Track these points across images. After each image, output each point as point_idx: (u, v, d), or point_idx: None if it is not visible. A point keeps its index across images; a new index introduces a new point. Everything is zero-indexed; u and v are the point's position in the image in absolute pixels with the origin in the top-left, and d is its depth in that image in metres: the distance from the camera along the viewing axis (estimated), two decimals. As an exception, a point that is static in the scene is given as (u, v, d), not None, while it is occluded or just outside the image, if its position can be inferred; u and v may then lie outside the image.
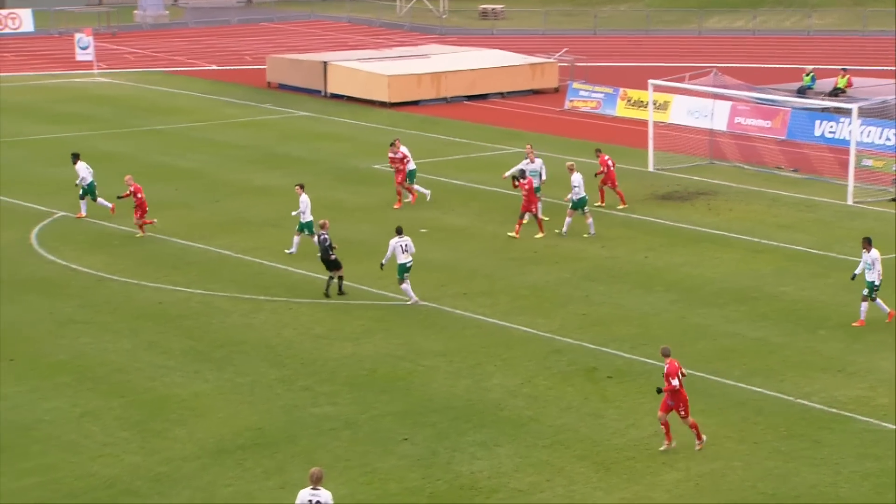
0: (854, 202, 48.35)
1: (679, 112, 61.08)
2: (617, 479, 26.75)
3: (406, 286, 36.71)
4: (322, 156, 55.93)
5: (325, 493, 22.00)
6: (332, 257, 37.14)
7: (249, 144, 58.56)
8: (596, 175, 46.91)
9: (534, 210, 43.29)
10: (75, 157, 45.95)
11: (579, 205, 43.43)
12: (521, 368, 32.55)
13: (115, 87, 72.65)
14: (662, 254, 42.00)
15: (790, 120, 58.92)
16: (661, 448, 27.50)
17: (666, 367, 27.42)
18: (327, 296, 37.22)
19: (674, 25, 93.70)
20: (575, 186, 43.32)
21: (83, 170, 45.47)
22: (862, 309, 34.99)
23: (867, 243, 35.06)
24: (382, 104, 66.61)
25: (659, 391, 27.59)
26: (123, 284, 38.67)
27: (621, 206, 46.96)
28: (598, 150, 47.52)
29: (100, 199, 44.93)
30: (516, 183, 43.64)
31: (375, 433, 28.67)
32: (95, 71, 76.03)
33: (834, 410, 30.04)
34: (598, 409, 30.12)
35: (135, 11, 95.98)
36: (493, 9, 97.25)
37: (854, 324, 34.96)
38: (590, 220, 43.59)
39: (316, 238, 37.79)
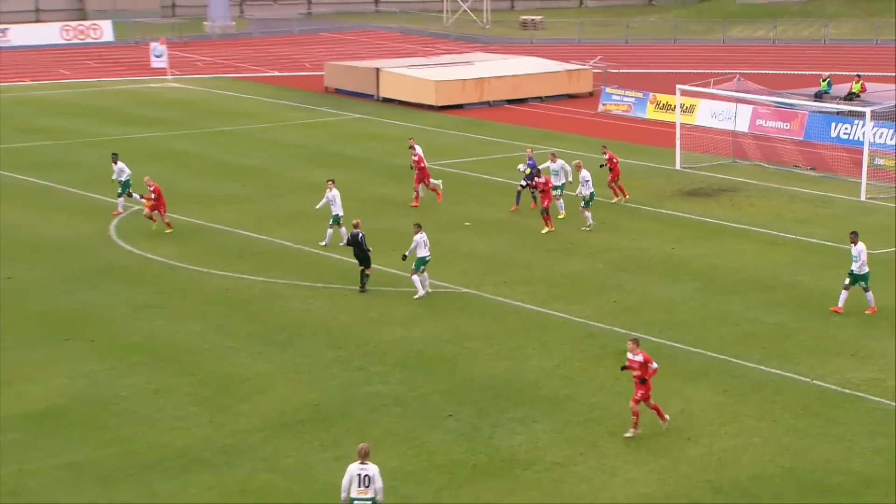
0: (867, 198, 48.14)
1: (704, 115, 60.96)
2: (645, 454, 26.72)
3: (416, 278, 36.23)
4: (373, 155, 56.05)
5: (372, 467, 22.01)
6: (368, 252, 36.54)
7: (307, 144, 58.74)
8: (601, 167, 46.84)
9: (545, 205, 43.01)
10: (115, 157, 45.99)
11: (590, 200, 43.38)
12: (557, 351, 32.55)
13: (186, 91, 72.99)
14: (688, 245, 41.90)
15: (807, 122, 58.76)
16: (626, 435, 27.13)
17: (640, 356, 27.01)
18: (363, 291, 36.80)
19: (700, 35, 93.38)
20: (587, 180, 43.25)
21: (121, 169, 45.48)
22: (841, 298, 34.95)
23: (854, 237, 34.90)
24: (430, 107, 66.67)
25: (623, 369, 27.47)
26: (193, 272, 38.88)
27: (624, 200, 47.17)
28: (604, 147, 47.69)
29: (135, 195, 44.87)
30: (532, 183, 43.51)
31: (423, 410, 28.74)
32: (168, 77, 76.46)
33: (847, 391, 29.92)
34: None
35: (205, 22, 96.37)
36: (533, 20, 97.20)
37: (831, 308, 34.94)
38: (588, 214, 43.45)
39: (350, 236, 36.92)
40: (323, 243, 41.21)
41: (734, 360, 31.94)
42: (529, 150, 46.74)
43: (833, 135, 57.61)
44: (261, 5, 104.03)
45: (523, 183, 44.70)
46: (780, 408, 29.06)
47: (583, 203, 43.43)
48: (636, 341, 27.36)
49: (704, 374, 31.02)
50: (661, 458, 26.52)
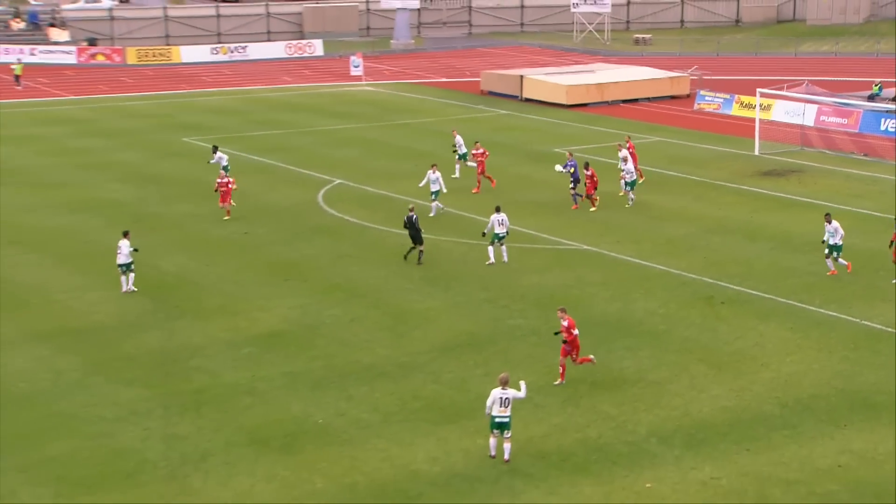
0: (909, 178, 46.77)
1: (779, 112, 59.51)
2: (726, 376, 26.37)
3: (491, 249, 34.79)
4: (517, 142, 55.79)
5: (511, 391, 22.01)
6: (419, 232, 34.78)
7: (466, 133, 58.22)
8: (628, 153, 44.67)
9: (591, 192, 40.93)
10: (215, 148, 45.45)
11: (632, 184, 41.64)
12: (658, 296, 32.16)
13: (376, 93, 73.54)
14: (764, 215, 40.95)
15: (862, 118, 57.14)
16: (556, 383, 25.79)
17: (566, 322, 25.58)
18: (406, 259, 35.06)
19: (776, 49, 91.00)
20: (631, 171, 41.63)
21: (220, 157, 44.50)
22: (828, 264, 33.68)
23: (828, 217, 33.49)
24: (561, 105, 66.11)
25: (556, 333, 26.00)
26: (379, 231, 39.20)
27: (641, 181, 44.01)
28: (628, 137, 46.34)
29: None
30: (587, 173, 40.98)
31: (552, 339, 28.54)
32: (363, 82, 77.07)
33: (889, 329, 29.17)
34: (713, 326, 29.67)
35: (391, 41, 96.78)
36: (643, 37, 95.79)
37: (828, 273, 33.52)
38: (632, 196, 41.75)
39: (406, 218, 35.20)
40: (431, 215, 40.28)
41: (799, 304, 31.26)
42: (569, 152, 43.88)
43: (882, 128, 55.94)
44: (433, 27, 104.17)
45: (571, 184, 41.61)
46: (835, 342, 28.46)
47: (630, 186, 41.66)
48: (563, 310, 25.90)
49: (775, 315, 30.42)
50: (740, 379, 26.13)
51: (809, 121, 57.72)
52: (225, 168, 43.72)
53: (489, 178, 44.82)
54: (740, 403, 24.93)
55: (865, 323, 29.79)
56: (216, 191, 40.90)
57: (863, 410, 24.52)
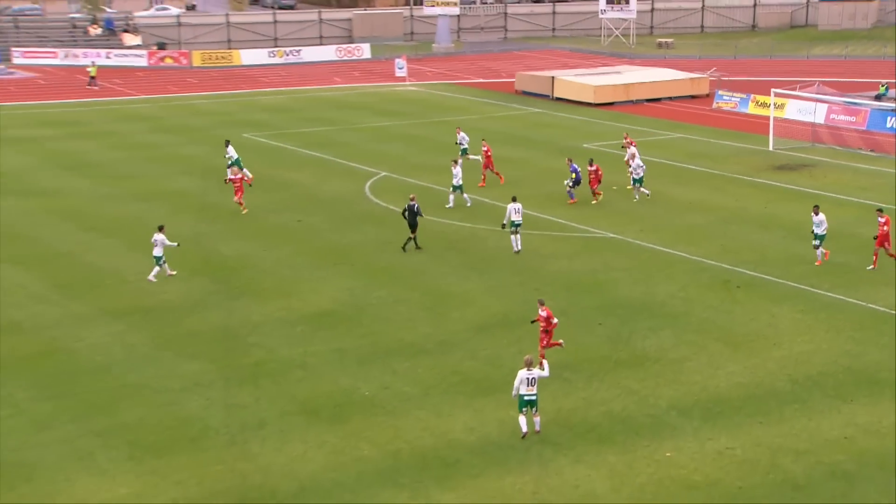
0: (912, 172, 46.08)
1: (792, 111, 58.76)
2: (741, 354, 26.17)
3: (513, 237, 34.26)
4: (548, 138, 55.52)
5: (536, 371, 21.92)
6: (417, 221, 34.38)
7: (501, 130, 58.46)
8: (622, 147, 44.85)
9: (594, 185, 40.25)
10: (227, 142, 44.99)
11: (639, 180, 40.85)
12: (678, 280, 31.93)
13: (419, 93, 73.44)
14: (777, 206, 40.53)
15: (869, 117, 56.33)
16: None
17: (545, 312, 24.88)
18: (404, 250, 34.51)
19: (790, 52, 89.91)
20: (642, 166, 40.93)
21: (231, 151, 43.92)
22: (817, 254, 33.00)
23: (816, 209, 32.89)
24: (589, 104, 65.72)
25: (532, 322, 25.40)
26: (421, 220, 39.04)
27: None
28: (626, 134, 45.84)
29: (245, 170, 42.28)
30: (590, 168, 40.36)
31: (580, 319, 28.57)
32: (407, 83, 76.98)
33: (892, 312, 28.82)
34: (729, 308, 29.43)
35: (433, 45, 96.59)
36: (666, 41, 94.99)
37: (817, 263, 32.85)
38: (645, 190, 41.00)
39: (407, 206, 34.50)
40: (449, 205, 39.69)
41: (809, 288, 30.95)
42: (568, 159, 42.20)
43: (888, 126, 55.07)
44: (472, 32, 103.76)
45: (570, 183, 40.58)
46: (842, 323, 28.16)
47: (639, 182, 40.91)
48: (542, 301, 25.34)
49: (787, 298, 30.14)
50: (753, 358, 25.92)
51: (820, 119, 57.04)
52: (237, 162, 43.23)
53: (497, 173, 44.05)
54: (754, 379, 24.73)
55: (871, 306, 29.45)
56: (226, 182, 40.30)
57: (868, 387, 24.26)
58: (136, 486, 20.36)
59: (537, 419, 22.09)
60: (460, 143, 46.81)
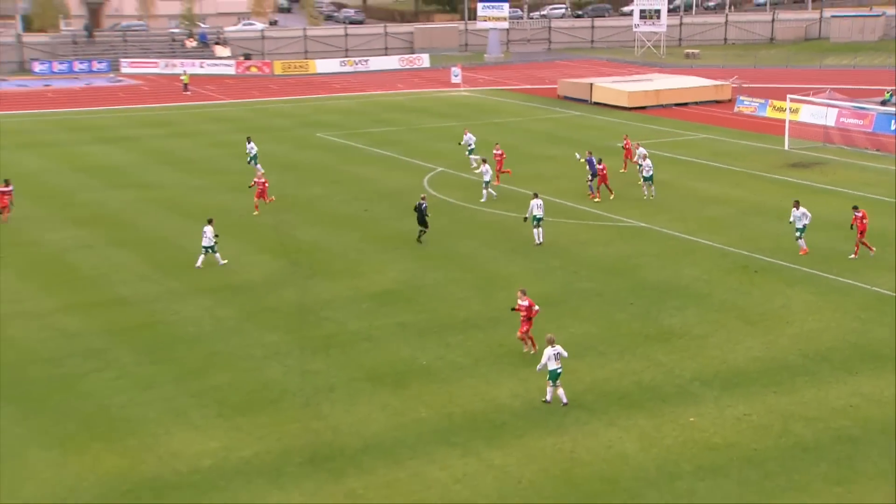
0: (916, 169, 45.08)
1: (805, 114, 57.78)
2: (757, 331, 25.87)
3: (536, 231, 33.38)
4: (587, 137, 55.07)
5: (559, 347, 21.76)
6: (426, 219, 33.53)
7: (545, 130, 58.20)
8: (623, 147, 44.31)
9: (603, 182, 39.42)
10: (249, 139, 44.27)
11: (649, 178, 39.77)
12: (701, 265, 31.61)
13: (472, 98, 73.27)
14: (791, 199, 39.74)
15: (875, 120, 55.30)
16: (529, 351, 24.29)
17: (526, 302, 23.99)
18: (420, 241, 33.69)
19: (804, 62, 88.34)
20: (649, 167, 39.77)
21: (251, 147, 43.42)
22: (800, 244, 32.10)
23: (796, 203, 32.11)
24: (624, 108, 65.16)
25: (513, 310, 24.49)
26: (471, 209, 39.13)
27: (622, 171, 43.44)
28: (626, 136, 45.04)
29: (258, 166, 41.55)
30: (591, 177, 39.53)
31: (614, 299, 28.42)
32: (462, 89, 76.82)
33: (895, 294, 28.31)
34: (748, 290, 29.08)
35: (485, 55, 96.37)
36: (693, 52, 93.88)
37: (801, 253, 32.01)
38: (652, 188, 40.01)
39: (416, 205, 33.75)
40: (483, 200, 39.28)
41: (820, 273, 30.49)
42: (588, 151, 41.56)
43: (892, 128, 53.99)
44: (520, 43, 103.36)
45: (589, 177, 39.91)
46: (849, 304, 27.73)
47: (647, 180, 39.82)
48: (524, 291, 24.47)
49: (799, 282, 29.73)
50: (769, 335, 25.60)
51: (831, 122, 56.14)
52: (254, 158, 42.68)
53: (507, 172, 43.12)
54: (769, 354, 24.44)
55: (875, 289, 28.95)
56: (251, 187, 38.90)
57: (871, 361, 23.90)
58: (224, 440, 20.70)
59: (561, 391, 21.91)
60: (467, 144, 46.34)
